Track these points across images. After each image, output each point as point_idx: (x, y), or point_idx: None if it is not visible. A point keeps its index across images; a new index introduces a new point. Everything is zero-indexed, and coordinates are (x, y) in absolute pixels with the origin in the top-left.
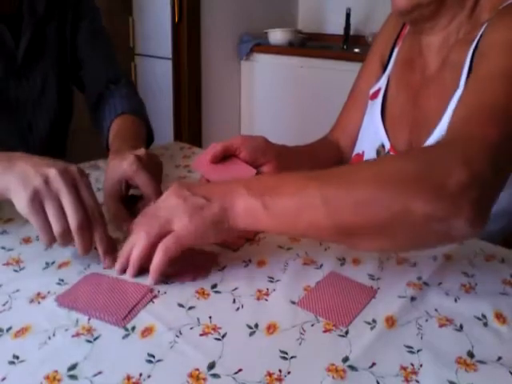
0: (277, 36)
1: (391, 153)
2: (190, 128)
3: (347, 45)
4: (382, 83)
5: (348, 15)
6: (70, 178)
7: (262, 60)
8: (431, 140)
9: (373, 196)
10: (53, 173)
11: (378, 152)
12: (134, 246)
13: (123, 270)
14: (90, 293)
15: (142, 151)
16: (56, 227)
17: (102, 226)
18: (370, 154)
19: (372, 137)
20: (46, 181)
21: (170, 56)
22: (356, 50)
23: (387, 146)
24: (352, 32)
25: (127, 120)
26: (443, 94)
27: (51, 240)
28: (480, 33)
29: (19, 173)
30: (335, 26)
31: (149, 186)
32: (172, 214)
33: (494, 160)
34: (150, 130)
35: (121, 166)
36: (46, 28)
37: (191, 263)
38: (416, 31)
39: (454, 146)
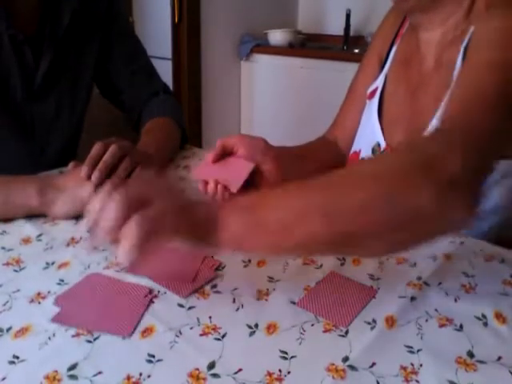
0: (277, 37)
1: (387, 151)
2: (190, 128)
3: (347, 45)
4: (380, 82)
5: (348, 16)
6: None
7: (262, 61)
8: None
9: (372, 197)
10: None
11: (373, 150)
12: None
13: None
14: (89, 305)
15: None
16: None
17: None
18: (366, 153)
19: (368, 135)
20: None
21: (170, 56)
22: (356, 51)
23: (383, 144)
24: (352, 33)
25: (159, 121)
26: (437, 92)
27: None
28: (470, 30)
29: (63, 188)
30: (335, 27)
31: None
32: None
33: (482, 147)
34: (184, 131)
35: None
36: (66, 52)
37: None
38: (415, 25)
39: (447, 136)
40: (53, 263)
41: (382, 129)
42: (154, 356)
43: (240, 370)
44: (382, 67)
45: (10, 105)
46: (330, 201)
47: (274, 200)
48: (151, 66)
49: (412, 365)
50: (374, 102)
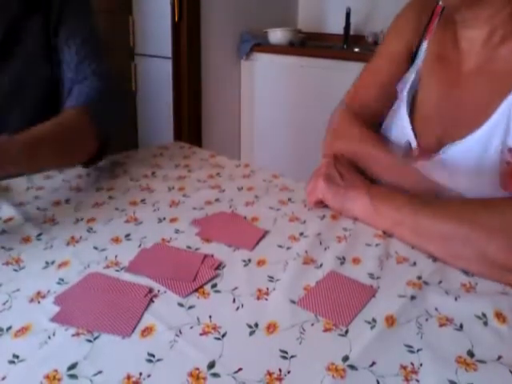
0: (277, 35)
1: (417, 150)
2: (189, 128)
3: (347, 44)
4: (410, 78)
5: (348, 15)
6: None
7: (262, 59)
8: (476, 136)
9: (454, 232)
10: None
11: (404, 149)
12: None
13: None
14: (88, 304)
15: None
16: None
17: None
18: (396, 148)
19: (399, 131)
20: None
21: (170, 55)
22: (356, 50)
23: (413, 144)
24: (352, 32)
25: (71, 113)
26: (481, 93)
27: None
28: None
29: None
30: (335, 26)
31: None
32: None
33: None
34: (103, 129)
35: None
36: (23, 24)
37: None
38: (459, 22)
39: None
40: (53, 262)
41: (413, 127)
42: (153, 355)
43: (240, 369)
44: (412, 61)
45: None
46: (422, 223)
47: (390, 200)
48: (97, 51)
49: (412, 364)
50: (404, 100)
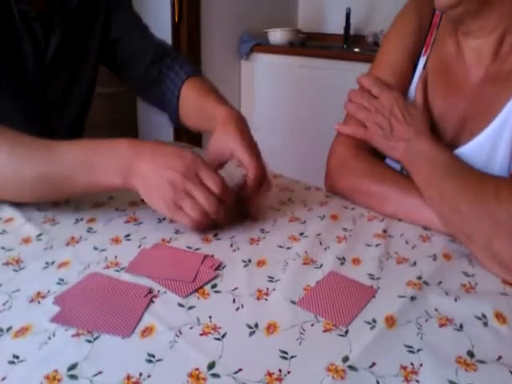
0: (277, 36)
1: None
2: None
3: (347, 44)
4: (411, 98)
5: (348, 15)
6: (192, 173)
7: (262, 60)
8: (483, 135)
9: (465, 214)
10: (178, 178)
11: (402, 168)
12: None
13: None
14: (88, 305)
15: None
16: (196, 217)
17: (230, 199)
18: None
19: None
20: (175, 187)
21: None
22: (356, 50)
23: None
24: (352, 32)
25: (198, 80)
26: (499, 91)
27: (200, 228)
28: None
29: (144, 179)
30: (335, 26)
31: (248, 162)
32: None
33: None
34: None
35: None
36: (75, 27)
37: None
38: (462, 33)
39: None
40: (53, 263)
41: None
42: (153, 356)
43: (240, 369)
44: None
45: (23, 83)
46: (445, 191)
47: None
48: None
49: (412, 364)
50: None
